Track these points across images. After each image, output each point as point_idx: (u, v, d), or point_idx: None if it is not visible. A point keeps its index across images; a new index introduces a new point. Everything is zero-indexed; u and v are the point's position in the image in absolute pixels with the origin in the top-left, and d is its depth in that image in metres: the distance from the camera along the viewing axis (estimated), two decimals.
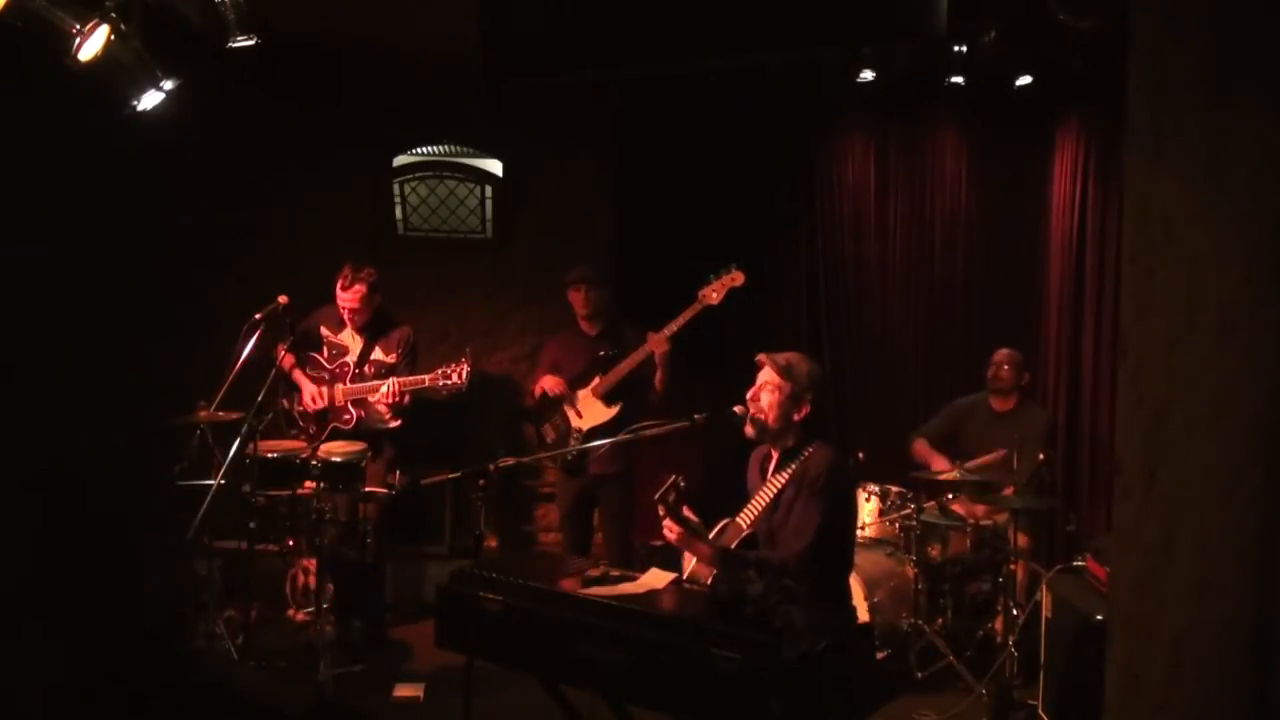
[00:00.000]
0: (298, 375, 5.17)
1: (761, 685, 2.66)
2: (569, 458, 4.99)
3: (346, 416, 5.14)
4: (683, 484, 3.28)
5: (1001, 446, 5.05)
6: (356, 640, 4.94)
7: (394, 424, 5.23)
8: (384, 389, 4.99)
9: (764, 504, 3.47)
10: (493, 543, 6.14)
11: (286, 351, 4.90)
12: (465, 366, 4.88)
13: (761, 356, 3.53)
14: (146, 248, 5.87)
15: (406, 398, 5.06)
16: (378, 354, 5.21)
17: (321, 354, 5.22)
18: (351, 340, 5.23)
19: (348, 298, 5.08)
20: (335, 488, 4.75)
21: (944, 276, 6.43)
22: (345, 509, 5.14)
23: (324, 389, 5.14)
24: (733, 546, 3.42)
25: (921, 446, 5.40)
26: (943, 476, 5.01)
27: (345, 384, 5.14)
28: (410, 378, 5.03)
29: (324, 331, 5.25)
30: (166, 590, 4.59)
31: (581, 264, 5.29)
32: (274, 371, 4.74)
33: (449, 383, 4.88)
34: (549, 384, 5.08)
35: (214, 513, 4.18)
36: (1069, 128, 6.00)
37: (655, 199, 6.44)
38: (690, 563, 3.59)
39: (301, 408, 5.16)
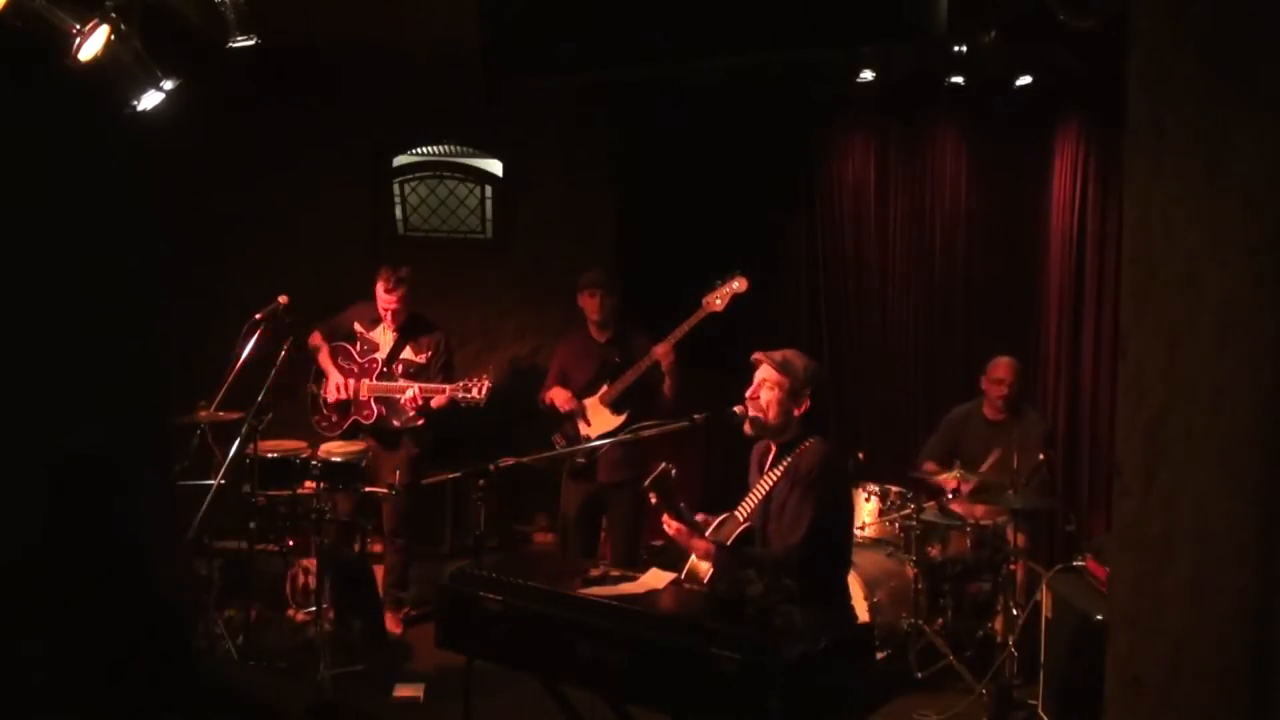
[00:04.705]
0: (326, 363, 5.27)
1: (761, 685, 2.66)
2: (575, 463, 4.98)
3: (367, 412, 5.21)
4: (674, 473, 3.27)
5: (1000, 450, 5.05)
6: (356, 640, 4.94)
7: (417, 422, 5.26)
8: (409, 393, 5.04)
9: (759, 498, 3.48)
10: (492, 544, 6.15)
11: (283, 351, 4.92)
12: (486, 383, 4.92)
13: (758, 355, 3.54)
14: (146, 248, 5.88)
15: (434, 401, 5.09)
16: (408, 353, 5.28)
17: (354, 347, 5.31)
18: (383, 337, 5.31)
19: (391, 300, 5.18)
20: (335, 488, 4.77)
21: (944, 276, 6.42)
22: (346, 508, 5.17)
23: (349, 381, 5.22)
24: (730, 540, 3.42)
25: (931, 468, 5.37)
26: (946, 480, 5.02)
27: (371, 380, 5.21)
28: (431, 384, 5.08)
29: (357, 327, 5.33)
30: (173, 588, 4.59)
31: (595, 268, 5.24)
32: (273, 372, 4.74)
33: (468, 396, 4.94)
34: (559, 399, 5.07)
35: (214, 513, 4.18)
36: (1069, 128, 5.99)
37: (655, 199, 6.44)
38: (690, 560, 3.59)
39: (325, 395, 5.25)
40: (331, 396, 5.23)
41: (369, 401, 5.20)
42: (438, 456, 5.36)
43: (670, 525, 3.35)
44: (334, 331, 5.35)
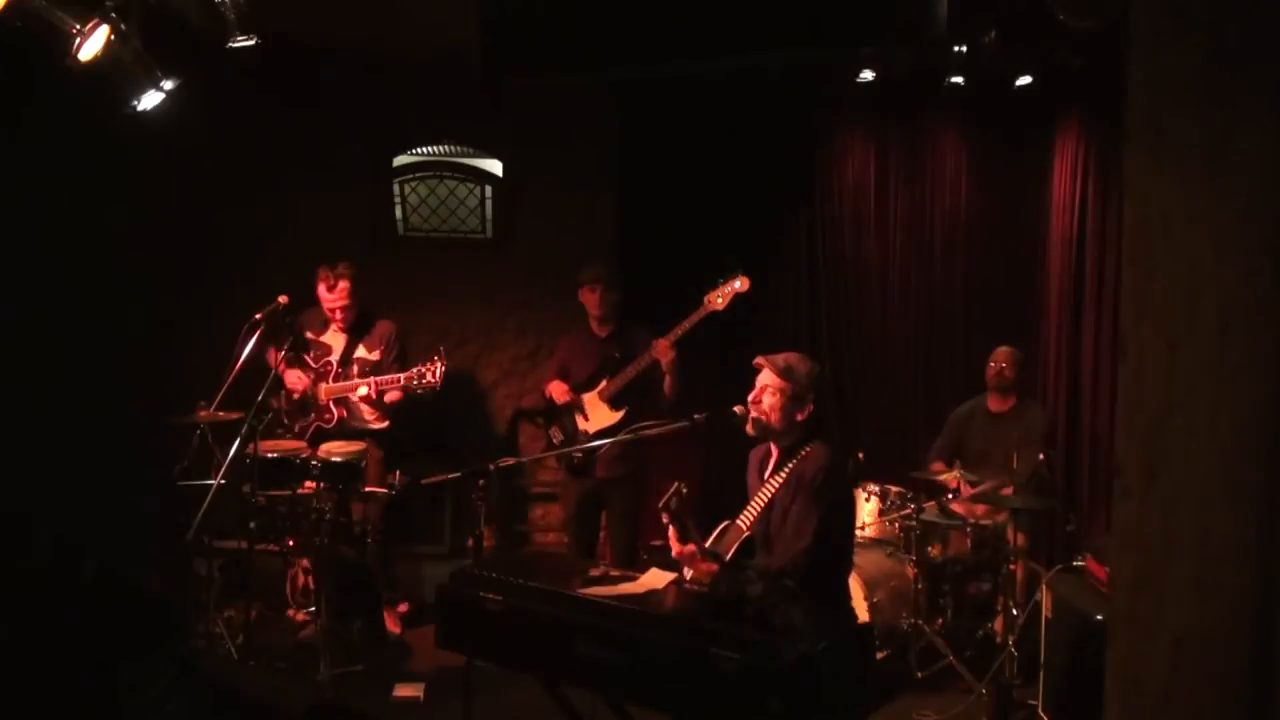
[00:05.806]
0: (284, 370, 5.16)
1: (761, 685, 2.66)
2: (573, 459, 4.98)
3: (328, 415, 5.18)
4: (685, 491, 3.26)
5: (1002, 446, 5.06)
6: (356, 640, 4.94)
7: (380, 425, 5.24)
8: (363, 389, 5.01)
9: (761, 505, 3.47)
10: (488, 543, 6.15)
11: (281, 351, 4.91)
12: (440, 365, 4.85)
13: (760, 359, 3.52)
14: (146, 247, 5.88)
15: (388, 396, 5.06)
16: (361, 352, 5.23)
17: (310, 355, 5.26)
18: (335, 339, 5.26)
19: (334, 298, 5.12)
20: (335, 488, 4.76)
21: (944, 276, 6.43)
22: (339, 508, 5.17)
23: (309, 382, 5.18)
24: (733, 549, 3.41)
25: (938, 468, 5.38)
26: (947, 480, 5.02)
27: (328, 383, 5.17)
28: (386, 376, 5.04)
29: (309, 334, 5.29)
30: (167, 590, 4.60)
31: (596, 264, 5.21)
32: (273, 374, 4.75)
33: (424, 382, 4.85)
34: (556, 392, 5.08)
35: (214, 513, 4.17)
36: (1069, 128, 6.00)
37: (655, 199, 6.44)
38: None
39: (288, 391, 5.19)
40: (295, 388, 5.14)
41: (328, 405, 5.17)
42: (438, 456, 5.36)
43: (676, 547, 3.34)
44: (296, 342, 5.14)
